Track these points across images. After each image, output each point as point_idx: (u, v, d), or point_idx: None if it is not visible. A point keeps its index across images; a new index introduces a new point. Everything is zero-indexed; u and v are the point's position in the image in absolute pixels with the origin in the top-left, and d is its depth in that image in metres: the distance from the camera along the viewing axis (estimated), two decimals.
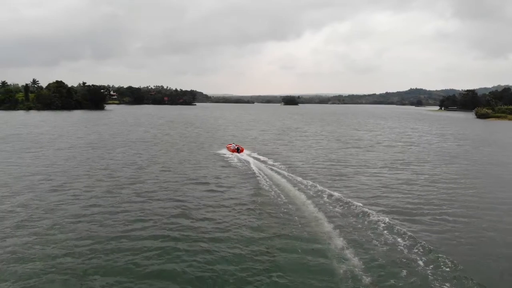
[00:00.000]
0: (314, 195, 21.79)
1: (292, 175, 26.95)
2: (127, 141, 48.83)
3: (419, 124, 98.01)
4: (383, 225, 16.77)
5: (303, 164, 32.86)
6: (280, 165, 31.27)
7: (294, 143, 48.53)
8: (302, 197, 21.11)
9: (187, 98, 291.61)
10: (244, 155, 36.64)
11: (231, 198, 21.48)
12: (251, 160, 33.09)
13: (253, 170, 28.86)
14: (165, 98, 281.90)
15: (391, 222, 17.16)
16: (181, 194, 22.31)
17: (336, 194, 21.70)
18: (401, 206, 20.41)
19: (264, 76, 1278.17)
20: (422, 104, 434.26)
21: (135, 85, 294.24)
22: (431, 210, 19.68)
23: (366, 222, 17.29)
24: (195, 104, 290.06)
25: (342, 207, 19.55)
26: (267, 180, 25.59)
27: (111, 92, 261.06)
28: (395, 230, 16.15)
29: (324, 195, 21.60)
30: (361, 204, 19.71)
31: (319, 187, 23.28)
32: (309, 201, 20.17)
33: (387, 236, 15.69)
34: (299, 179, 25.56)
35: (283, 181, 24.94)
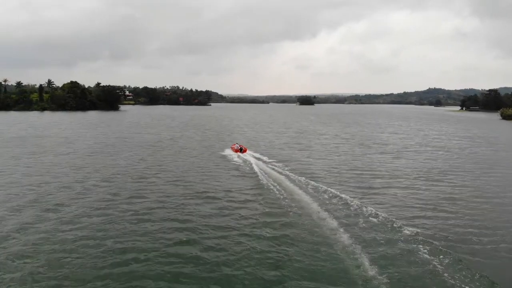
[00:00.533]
0: (344, 215, 18.24)
1: (314, 187, 23.48)
2: (134, 145, 45.99)
3: (443, 126, 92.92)
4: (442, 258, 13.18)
5: (325, 173, 29.25)
6: (299, 175, 27.66)
7: (313, 148, 44.84)
8: (332, 222, 17.39)
9: (202, 98, 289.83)
10: (247, 155, 36.00)
11: (244, 218, 18.08)
12: (268, 169, 29.64)
13: (270, 184, 25.43)
14: (180, 99, 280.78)
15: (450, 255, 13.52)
16: (191, 210, 19.05)
17: (370, 211, 18.44)
18: (451, 230, 16.73)
19: (279, 76, 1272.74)
20: (441, 104, 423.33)
21: (151, 85, 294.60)
22: (489, 237, 15.95)
23: (421, 256, 13.68)
24: (210, 105, 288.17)
25: (382, 232, 15.98)
26: (286, 195, 22.09)
27: (127, 93, 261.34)
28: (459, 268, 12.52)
29: (356, 215, 18.07)
30: (408, 232, 16.05)
31: (349, 204, 19.86)
32: (341, 229, 16.47)
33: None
34: (325, 196, 21.89)
35: (306, 199, 21.26)
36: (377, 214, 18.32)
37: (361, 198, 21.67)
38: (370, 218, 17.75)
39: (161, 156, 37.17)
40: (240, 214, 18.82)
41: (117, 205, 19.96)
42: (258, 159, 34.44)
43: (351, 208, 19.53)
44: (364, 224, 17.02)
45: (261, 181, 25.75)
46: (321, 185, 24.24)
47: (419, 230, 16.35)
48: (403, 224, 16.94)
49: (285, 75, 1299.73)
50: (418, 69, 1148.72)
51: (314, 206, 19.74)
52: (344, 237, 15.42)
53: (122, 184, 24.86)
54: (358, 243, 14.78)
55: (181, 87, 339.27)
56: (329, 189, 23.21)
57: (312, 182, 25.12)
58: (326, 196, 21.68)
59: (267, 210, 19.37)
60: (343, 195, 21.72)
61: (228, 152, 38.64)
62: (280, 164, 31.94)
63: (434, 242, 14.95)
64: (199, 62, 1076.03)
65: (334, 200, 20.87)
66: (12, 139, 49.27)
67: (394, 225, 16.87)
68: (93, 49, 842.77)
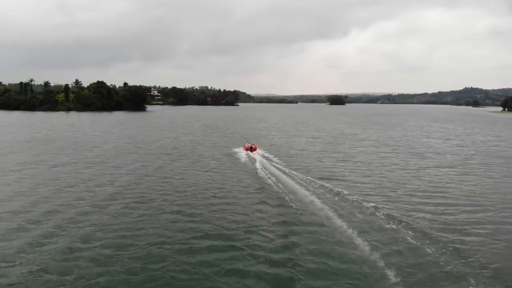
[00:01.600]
0: None
1: (379, 227, 15.91)
2: (144, 152, 39.63)
3: (495, 129, 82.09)
4: None
5: (383, 199, 21.43)
6: (350, 205, 20.05)
7: (356, 158, 36.83)
8: None
9: (230, 98, 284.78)
10: (256, 154, 35.61)
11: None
12: (309, 196, 21.99)
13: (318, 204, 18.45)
14: (208, 99, 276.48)
15: None
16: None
17: None
18: None
19: (309, 75, 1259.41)
20: (479, 104, 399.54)
21: (181, 85, 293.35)
22: None
23: None
24: (238, 105, 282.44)
25: None
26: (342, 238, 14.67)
27: (155, 93, 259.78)
28: None
29: None
30: None
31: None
32: None
33: None
34: (401, 249, 14.32)
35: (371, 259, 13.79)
36: None
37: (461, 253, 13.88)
38: None
39: (171, 170, 30.35)
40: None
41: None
42: (293, 176, 26.87)
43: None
44: None
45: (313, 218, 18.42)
46: (386, 223, 16.62)
47: None
48: None
49: (315, 74, 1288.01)
50: (451, 68, 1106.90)
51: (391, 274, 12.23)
52: None
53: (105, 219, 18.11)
54: None
55: (210, 87, 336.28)
56: (399, 229, 15.56)
57: (371, 219, 17.48)
58: (402, 249, 14.05)
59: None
60: (430, 249, 14.05)
61: (258, 166, 30.76)
62: (321, 184, 24.35)
63: None
64: (228, 62, 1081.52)
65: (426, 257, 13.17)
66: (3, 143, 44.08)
67: None
68: (125, 50, 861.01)
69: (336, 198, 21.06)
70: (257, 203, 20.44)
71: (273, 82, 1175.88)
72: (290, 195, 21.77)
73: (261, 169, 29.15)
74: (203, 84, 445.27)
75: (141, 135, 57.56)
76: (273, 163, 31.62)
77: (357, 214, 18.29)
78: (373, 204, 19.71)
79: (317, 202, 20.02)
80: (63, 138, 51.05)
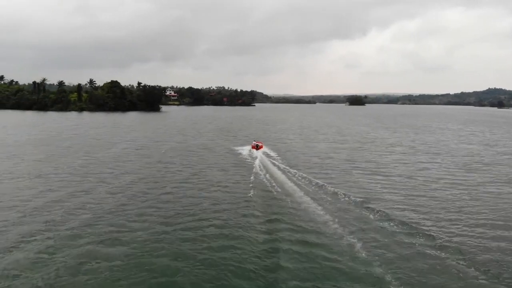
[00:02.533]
0: None
1: None
2: (144, 162, 34.49)
3: None
4: None
5: (445, 234, 15.42)
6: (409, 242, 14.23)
7: (392, 172, 30.39)
8: None
9: (246, 98, 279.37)
10: (260, 152, 36.22)
11: None
12: (338, 230, 16.34)
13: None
14: (224, 99, 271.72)
15: None
16: None
17: None
18: None
19: (327, 75, 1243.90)
20: (504, 105, 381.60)
21: (199, 86, 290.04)
22: None
23: None
24: (254, 105, 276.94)
25: None
26: None
27: (172, 93, 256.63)
28: None
29: None
30: None
31: None
32: None
33: None
34: None
35: None
36: None
37: None
38: None
39: (162, 188, 24.93)
40: None
41: None
42: (317, 198, 21.13)
43: None
44: None
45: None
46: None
47: None
48: None
49: (333, 74, 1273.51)
50: (472, 68, 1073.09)
51: None
52: None
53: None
54: None
55: (227, 88, 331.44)
56: None
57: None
58: None
59: None
60: None
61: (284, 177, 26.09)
62: (354, 209, 18.52)
63: None
64: (246, 63, 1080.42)
65: None
66: None
67: None
68: (145, 50, 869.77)
69: (385, 240, 15.15)
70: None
71: (291, 82, 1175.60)
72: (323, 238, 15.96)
73: (275, 187, 23.44)
74: (220, 84, 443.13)
75: (145, 138, 52.51)
76: (292, 175, 25.99)
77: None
78: (439, 242, 13.80)
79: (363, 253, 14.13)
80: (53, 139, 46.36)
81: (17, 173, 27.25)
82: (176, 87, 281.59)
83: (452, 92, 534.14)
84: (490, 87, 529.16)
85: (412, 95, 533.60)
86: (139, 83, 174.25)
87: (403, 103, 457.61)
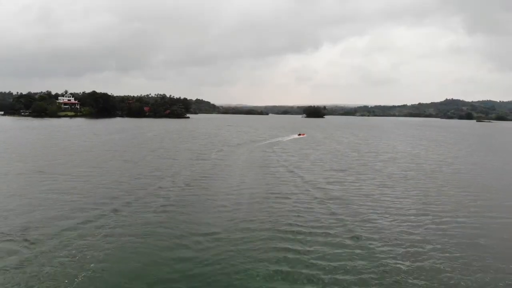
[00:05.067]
0: None
1: None
2: None
3: None
4: None
5: None
6: None
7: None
8: None
9: (177, 108, 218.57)
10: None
11: None
12: None
13: None
14: (146, 109, 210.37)
15: None
16: None
17: None
18: None
19: (281, 87, 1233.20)
20: (473, 117, 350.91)
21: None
22: None
23: None
24: (188, 117, 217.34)
25: None
26: None
27: (69, 100, 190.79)
28: None
29: None
30: None
31: None
32: None
33: None
34: None
35: None
36: None
37: None
38: None
39: None
40: None
41: None
42: None
43: None
44: None
45: None
46: None
47: None
48: None
49: (287, 86, 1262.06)
50: (415, 81, 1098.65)
51: None
52: None
53: None
54: None
55: (183, 98, 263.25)
56: None
57: None
58: None
59: None
60: None
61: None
62: None
63: None
64: (203, 74, 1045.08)
65: None
66: None
67: None
68: (100, 60, 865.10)
69: None
70: None
71: (246, 93, 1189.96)
72: None
73: None
74: (177, 94, 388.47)
75: None
76: None
77: None
78: None
79: None
80: None
81: None
82: (82, 93, 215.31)
83: (409, 103, 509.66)
84: (448, 98, 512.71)
85: (367, 106, 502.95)
86: None
87: (361, 115, 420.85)
